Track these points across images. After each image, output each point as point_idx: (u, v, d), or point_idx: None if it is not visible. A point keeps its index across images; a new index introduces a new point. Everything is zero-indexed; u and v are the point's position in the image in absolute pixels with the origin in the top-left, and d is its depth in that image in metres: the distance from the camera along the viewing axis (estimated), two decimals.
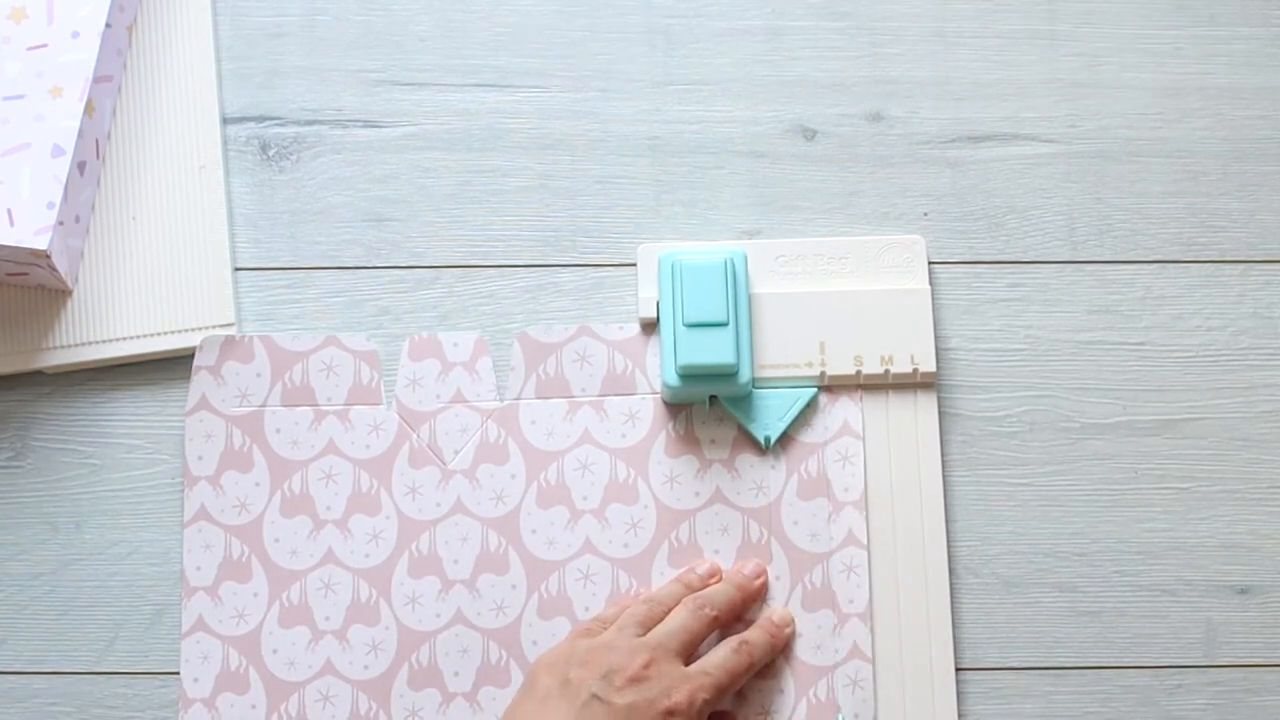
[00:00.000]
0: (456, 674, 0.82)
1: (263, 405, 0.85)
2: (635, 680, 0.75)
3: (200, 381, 0.85)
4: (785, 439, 0.84)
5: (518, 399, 0.85)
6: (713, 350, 0.82)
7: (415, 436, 0.85)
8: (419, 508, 0.84)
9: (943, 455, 0.85)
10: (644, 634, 0.78)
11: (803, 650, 0.82)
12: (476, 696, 0.82)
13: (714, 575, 0.82)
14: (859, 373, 0.84)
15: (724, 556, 0.83)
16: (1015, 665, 0.83)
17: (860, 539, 0.83)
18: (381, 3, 0.91)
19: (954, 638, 0.83)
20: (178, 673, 0.83)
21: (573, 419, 0.85)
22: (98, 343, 0.86)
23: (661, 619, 0.80)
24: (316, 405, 0.85)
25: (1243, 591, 0.84)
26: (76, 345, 0.85)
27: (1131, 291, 0.88)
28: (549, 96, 0.90)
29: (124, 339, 0.86)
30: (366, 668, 0.82)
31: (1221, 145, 0.90)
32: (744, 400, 0.84)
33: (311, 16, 0.91)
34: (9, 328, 0.86)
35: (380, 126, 0.90)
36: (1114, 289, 0.88)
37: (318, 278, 0.88)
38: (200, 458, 0.84)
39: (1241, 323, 0.87)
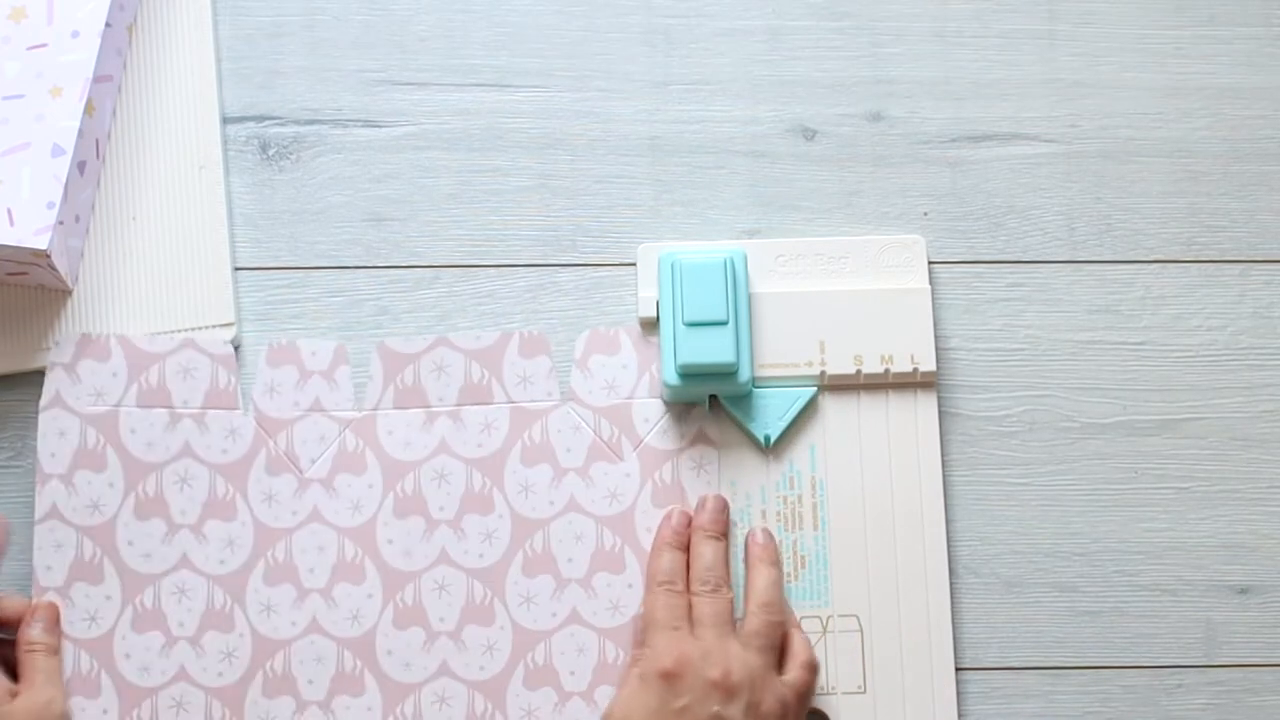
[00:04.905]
0: (311, 682, 0.81)
1: (118, 405, 0.84)
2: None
3: (55, 378, 0.84)
4: (643, 447, 0.84)
5: (375, 409, 0.85)
6: (713, 349, 0.82)
7: (272, 443, 0.84)
8: (275, 515, 0.83)
9: (943, 455, 0.85)
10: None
11: None
12: (331, 705, 0.81)
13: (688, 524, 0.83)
14: (859, 372, 0.84)
15: (577, 565, 0.83)
16: (1015, 665, 0.83)
17: None
18: (381, 3, 0.91)
19: (954, 638, 0.83)
20: None
21: (430, 429, 0.84)
22: None
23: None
24: (172, 408, 0.84)
25: (1243, 591, 0.84)
26: None
27: (1131, 291, 0.88)
28: (549, 96, 0.90)
29: None
30: (220, 674, 0.81)
31: (1221, 145, 0.90)
32: (744, 399, 0.84)
33: (311, 16, 0.91)
34: (9, 328, 0.85)
35: (380, 126, 0.90)
36: (1114, 289, 0.88)
37: (318, 278, 0.88)
38: (53, 455, 0.83)
39: (1241, 323, 0.87)
